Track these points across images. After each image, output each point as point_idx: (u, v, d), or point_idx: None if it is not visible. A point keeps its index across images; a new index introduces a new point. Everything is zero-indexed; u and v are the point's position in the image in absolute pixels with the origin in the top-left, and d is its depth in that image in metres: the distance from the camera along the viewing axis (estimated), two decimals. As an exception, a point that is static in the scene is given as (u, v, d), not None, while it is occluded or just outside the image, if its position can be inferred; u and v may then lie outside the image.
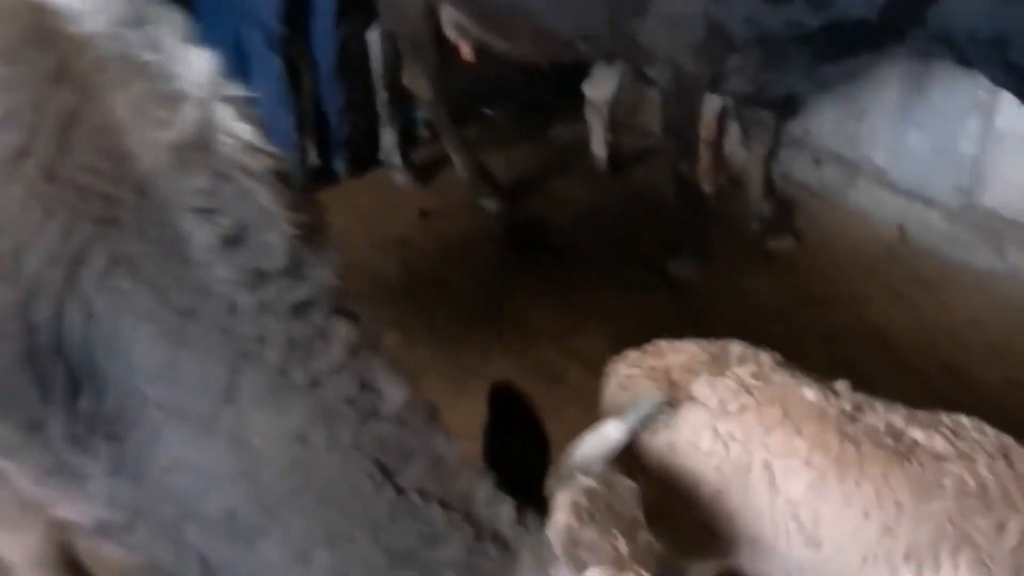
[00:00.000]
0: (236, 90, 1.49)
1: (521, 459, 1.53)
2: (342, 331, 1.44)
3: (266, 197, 1.44)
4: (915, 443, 1.58)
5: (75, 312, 1.36)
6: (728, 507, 1.70)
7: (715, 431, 1.71)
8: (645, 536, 1.38)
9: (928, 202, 3.95)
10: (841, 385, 1.75)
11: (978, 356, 3.36)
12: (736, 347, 1.85)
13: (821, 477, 1.60)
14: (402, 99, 4.36)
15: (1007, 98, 3.58)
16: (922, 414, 1.65)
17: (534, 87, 5.03)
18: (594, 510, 1.36)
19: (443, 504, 1.40)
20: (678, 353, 1.85)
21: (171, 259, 1.37)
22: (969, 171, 3.83)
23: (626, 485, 1.43)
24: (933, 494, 1.53)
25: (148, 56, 1.44)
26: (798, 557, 1.64)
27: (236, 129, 1.45)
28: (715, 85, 3.46)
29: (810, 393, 1.71)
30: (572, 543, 1.34)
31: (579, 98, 4.58)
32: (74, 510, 1.54)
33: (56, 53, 1.40)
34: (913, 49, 3.39)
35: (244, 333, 1.37)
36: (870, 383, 3.06)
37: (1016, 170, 3.72)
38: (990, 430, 1.60)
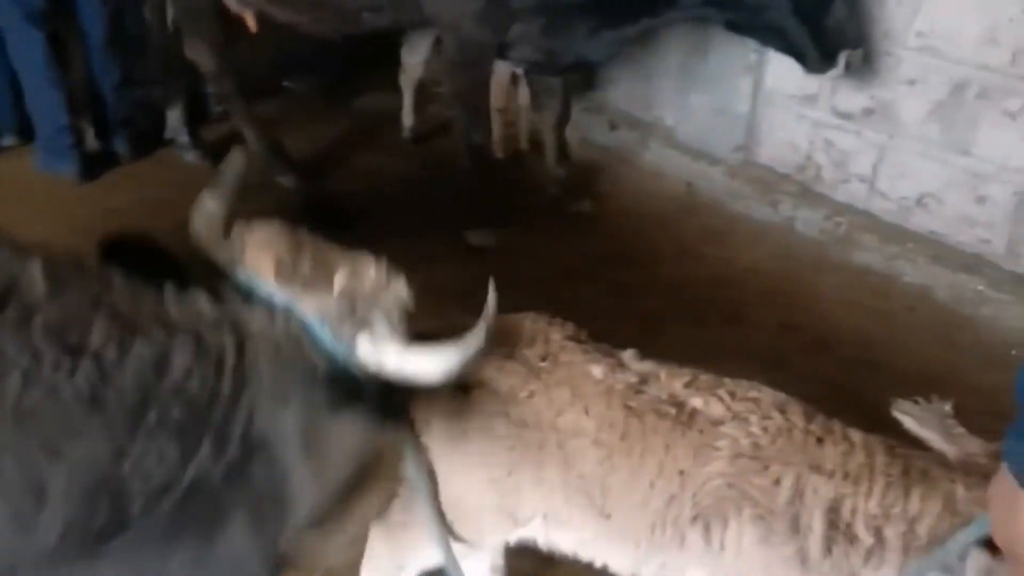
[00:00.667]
0: None
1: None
2: None
3: None
4: (695, 411, 1.62)
5: None
6: (520, 484, 1.71)
7: (507, 416, 1.70)
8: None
9: (711, 160, 4.18)
10: (628, 355, 1.77)
11: (756, 302, 3.60)
12: (527, 323, 1.82)
13: (609, 454, 1.63)
14: (188, 73, 4.13)
15: (775, 59, 3.85)
16: (704, 378, 1.69)
17: (335, 58, 4.92)
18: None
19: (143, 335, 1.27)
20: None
21: None
22: (744, 129, 4.09)
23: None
24: (711, 457, 1.58)
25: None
26: (591, 528, 1.68)
27: None
28: (502, 53, 3.49)
29: (597, 370, 1.71)
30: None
31: (382, 69, 4.51)
32: None
33: None
34: (690, 15, 3.54)
35: None
36: (663, 333, 3.31)
37: (784, 127, 4.00)
38: (767, 390, 1.66)
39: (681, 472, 1.59)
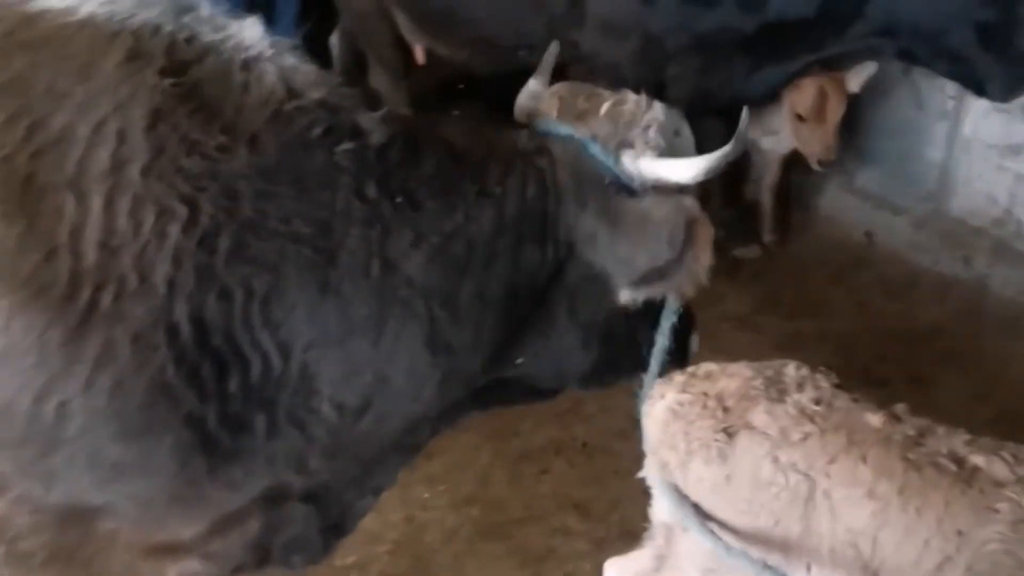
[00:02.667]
0: (285, 42, 1.65)
1: None
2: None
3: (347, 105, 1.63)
4: (976, 468, 1.56)
5: (214, 299, 1.44)
6: (784, 536, 1.67)
7: (776, 460, 1.66)
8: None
9: (895, 209, 3.94)
10: (901, 409, 1.72)
11: (942, 363, 3.34)
12: (791, 369, 1.79)
13: (884, 507, 1.58)
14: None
15: (975, 105, 3.59)
16: (984, 440, 1.64)
17: (505, 87, 5.00)
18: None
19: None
20: (730, 378, 1.79)
21: (297, 199, 1.51)
22: (935, 178, 3.82)
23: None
24: (992, 519, 1.51)
25: (210, 35, 1.57)
26: None
27: (303, 70, 1.62)
28: (658, 93, 3.41)
29: (874, 419, 1.67)
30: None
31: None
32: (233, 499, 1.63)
33: (122, 49, 1.48)
34: (859, 47, 3.33)
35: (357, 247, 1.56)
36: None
37: (982, 178, 3.71)
38: None
39: (959, 532, 1.52)
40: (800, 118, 3.47)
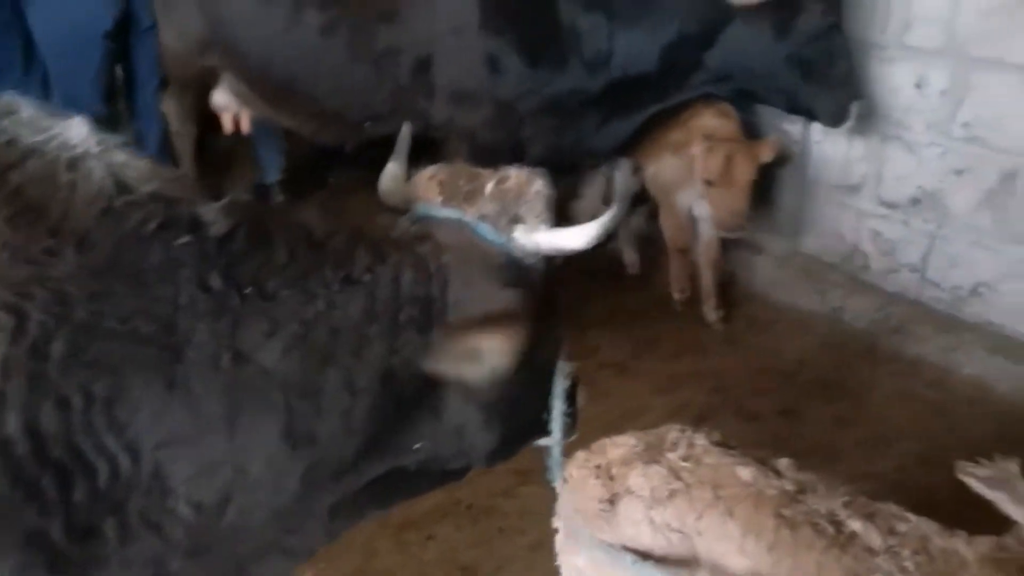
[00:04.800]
0: (114, 138, 1.59)
1: None
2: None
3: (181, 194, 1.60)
4: (853, 534, 1.54)
5: (51, 407, 1.37)
6: None
7: (652, 522, 1.65)
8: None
9: (755, 249, 4.13)
10: (784, 464, 1.71)
11: (808, 394, 3.49)
12: (672, 432, 1.80)
13: (755, 564, 1.55)
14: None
15: (816, 149, 3.85)
16: (862, 501, 1.62)
17: (376, 153, 5.01)
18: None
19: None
20: (617, 447, 1.81)
21: (136, 296, 1.45)
22: (788, 219, 4.05)
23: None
24: None
25: (32, 137, 1.51)
26: None
27: (134, 164, 1.57)
28: (516, 156, 3.50)
29: (745, 472, 1.65)
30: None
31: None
32: None
33: None
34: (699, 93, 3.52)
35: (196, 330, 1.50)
36: (717, 428, 3.20)
37: (829, 217, 3.95)
38: (913, 517, 1.59)
39: None
40: (709, 184, 3.54)
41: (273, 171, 4.81)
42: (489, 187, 1.83)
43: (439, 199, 1.82)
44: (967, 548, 1.51)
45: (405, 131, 2.09)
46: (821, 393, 3.49)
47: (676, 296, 3.98)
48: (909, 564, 1.49)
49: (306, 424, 1.58)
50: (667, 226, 3.89)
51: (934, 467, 3.03)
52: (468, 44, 3.28)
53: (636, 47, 3.27)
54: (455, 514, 2.98)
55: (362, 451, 1.70)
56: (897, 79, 3.56)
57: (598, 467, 1.80)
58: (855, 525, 1.55)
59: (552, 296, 1.89)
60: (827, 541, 1.52)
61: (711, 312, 3.91)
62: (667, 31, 3.26)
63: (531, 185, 1.88)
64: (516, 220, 1.82)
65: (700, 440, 1.77)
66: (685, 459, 1.71)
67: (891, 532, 1.54)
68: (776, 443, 3.05)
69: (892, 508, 1.62)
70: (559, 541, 1.87)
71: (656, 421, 1.99)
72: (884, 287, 3.83)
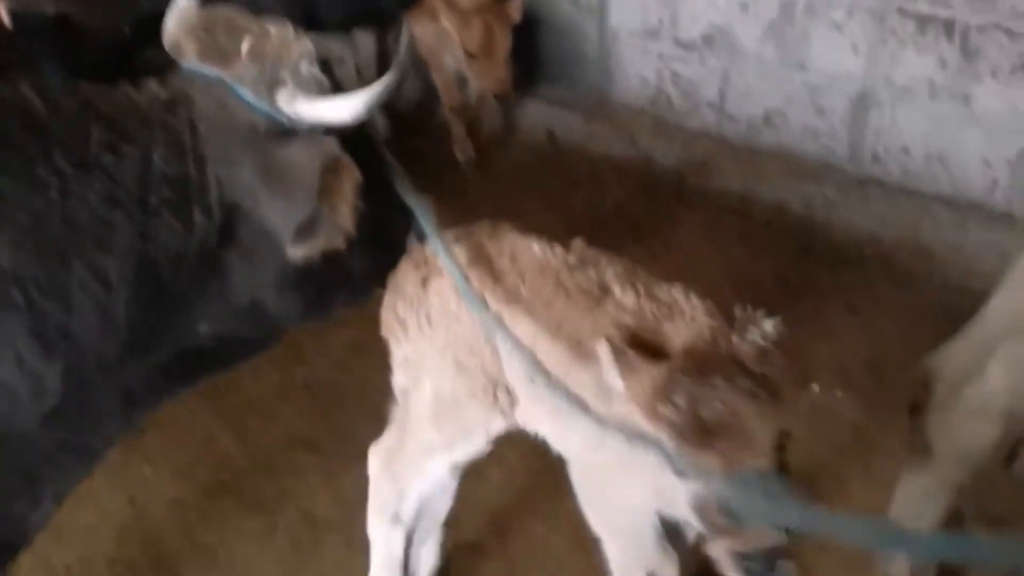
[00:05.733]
0: None
1: None
2: None
3: None
4: (612, 295, 1.70)
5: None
6: (482, 359, 1.83)
7: (457, 292, 1.81)
8: None
9: (565, 105, 4.21)
10: (577, 243, 1.85)
11: (624, 238, 3.66)
12: (484, 224, 1.96)
13: (536, 322, 1.73)
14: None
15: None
16: (642, 274, 1.76)
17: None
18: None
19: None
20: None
21: None
22: (595, 71, 4.12)
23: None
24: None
25: None
26: (524, 392, 1.82)
27: None
28: (312, 17, 3.36)
29: (536, 247, 1.83)
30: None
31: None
32: None
33: None
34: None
35: None
36: None
37: (633, 63, 4.03)
38: (675, 290, 1.71)
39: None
40: (471, 55, 3.56)
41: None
42: (245, 47, 1.67)
43: (195, 53, 1.68)
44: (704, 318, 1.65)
45: None
46: (636, 235, 3.67)
47: (460, 159, 4.08)
48: (649, 315, 1.66)
49: (56, 321, 1.53)
50: (440, 84, 4.01)
51: (740, 288, 3.28)
52: None
53: None
54: (294, 393, 3.04)
55: (133, 342, 1.66)
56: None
57: (415, 261, 1.95)
58: (615, 288, 1.72)
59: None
60: (591, 301, 1.71)
61: (460, 153, 4.07)
62: None
63: (296, 44, 1.72)
64: (278, 83, 1.65)
65: (506, 229, 1.93)
66: (489, 237, 1.89)
67: (649, 296, 1.70)
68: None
69: (662, 283, 1.75)
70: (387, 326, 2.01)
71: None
72: (688, 126, 4.00)
